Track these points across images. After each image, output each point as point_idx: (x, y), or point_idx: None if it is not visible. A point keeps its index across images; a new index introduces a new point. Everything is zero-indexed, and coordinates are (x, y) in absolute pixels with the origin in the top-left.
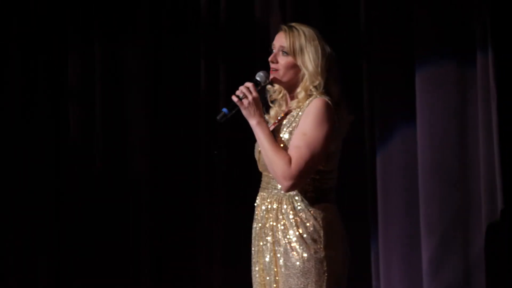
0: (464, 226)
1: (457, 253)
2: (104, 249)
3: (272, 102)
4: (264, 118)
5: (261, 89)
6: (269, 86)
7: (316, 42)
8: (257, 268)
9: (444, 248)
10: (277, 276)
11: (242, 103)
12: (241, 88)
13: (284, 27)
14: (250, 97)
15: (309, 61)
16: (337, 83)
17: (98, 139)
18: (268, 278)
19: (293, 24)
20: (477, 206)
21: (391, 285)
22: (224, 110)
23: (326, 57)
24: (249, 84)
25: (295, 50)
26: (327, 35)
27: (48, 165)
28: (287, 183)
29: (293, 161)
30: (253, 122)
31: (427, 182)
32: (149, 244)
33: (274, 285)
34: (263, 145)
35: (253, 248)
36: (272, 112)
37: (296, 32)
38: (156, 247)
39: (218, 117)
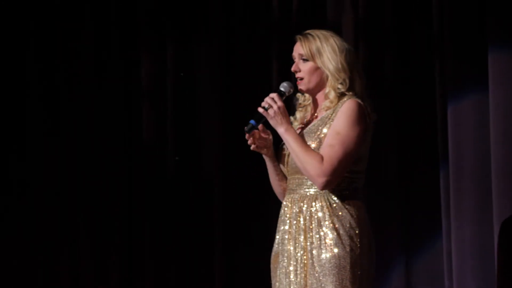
0: None
1: None
2: (177, 248)
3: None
4: (291, 125)
5: (286, 99)
6: (298, 94)
7: (332, 40)
8: (285, 264)
9: None
10: (307, 275)
11: (268, 113)
12: (266, 99)
13: (299, 36)
14: (275, 107)
15: (329, 60)
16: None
17: (171, 139)
18: (297, 278)
19: (307, 31)
20: None
21: (464, 285)
22: (252, 121)
23: (345, 53)
24: (273, 95)
25: (313, 53)
26: (401, 34)
27: (121, 166)
28: (322, 180)
29: (326, 159)
30: (281, 130)
31: (500, 182)
32: (222, 243)
33: (303, 283)
34: (294, 150)
35: (280, 249)
36: (298, 115)
37: (310, 37)
38: (230, 246)
39: (246, 129)
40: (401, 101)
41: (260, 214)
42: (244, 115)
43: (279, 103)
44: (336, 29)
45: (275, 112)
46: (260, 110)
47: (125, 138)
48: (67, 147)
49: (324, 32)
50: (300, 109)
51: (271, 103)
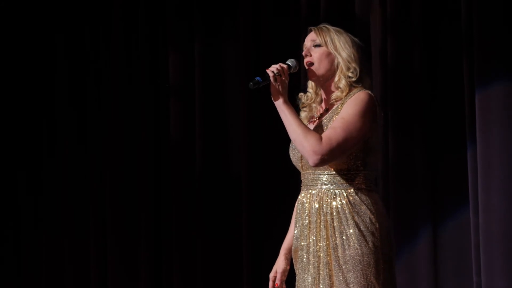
0: None
1: None
2: (204, 245)
3: (303, 108)
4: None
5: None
6: (301, 94)
7: (344, 34)
8: (304, 258)
9: None
10: (332, 272)
11: (276, 78)
12: (276, 65)
13: (312, 27)
14: (283, 77)
15: (342, 48)
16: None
17: (198, 135)
18: (320, 273)
19: (320, 25)
20: None
21: (492, 281)
22: (258, 78)
23: (357, 47)
24: (284, 65)
25: (327, 41)
26: (429, 30)
27: (149, 163)
28: (316, 157)
29: (326, 138)
30: (281, 100)
31: None
32: (250, 242)
33: (327, 279)
34: (291, 123)
35: (298, 244)
36: (304, 114)
37: (324, 29)
38: (257, 246)
39: (251, 83)
40: (429, 97)
41: (287, 210)
42: (271, 112)
43: (286, 76)
44: (364, 26)
45: (282, 81)
46: (270, 73)
47: (153, 134)
48: (96, 143)
49: (336, 27)
50: (304, 109)
51: (281, 72)
